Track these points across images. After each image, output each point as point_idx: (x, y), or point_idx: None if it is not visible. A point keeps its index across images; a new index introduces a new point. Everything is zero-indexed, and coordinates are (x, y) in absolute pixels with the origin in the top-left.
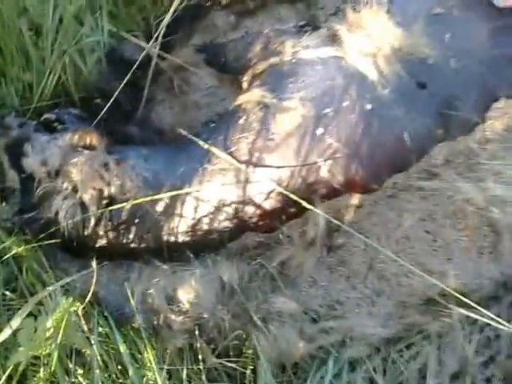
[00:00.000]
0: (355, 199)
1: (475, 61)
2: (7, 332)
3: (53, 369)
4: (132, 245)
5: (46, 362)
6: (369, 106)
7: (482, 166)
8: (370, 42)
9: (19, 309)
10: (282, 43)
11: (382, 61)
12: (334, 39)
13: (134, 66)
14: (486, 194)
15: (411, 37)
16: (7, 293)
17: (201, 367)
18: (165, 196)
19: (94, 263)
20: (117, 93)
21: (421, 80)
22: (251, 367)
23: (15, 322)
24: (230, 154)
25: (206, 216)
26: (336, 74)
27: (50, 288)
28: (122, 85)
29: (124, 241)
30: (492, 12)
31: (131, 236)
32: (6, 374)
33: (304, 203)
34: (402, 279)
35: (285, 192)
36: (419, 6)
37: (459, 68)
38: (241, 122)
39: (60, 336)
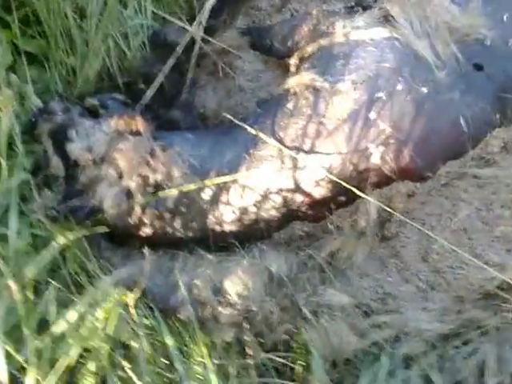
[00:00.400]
0: (408, 187)
1: None
2: (62, 325)
3: (103, 362)
4: (177, 233)
5: (94, 354)
6: (424, 90)
7: None
8: (424, 22)
9: (63, 299)
10: (332, 24)
11: (437, 42)
12: (386, 19)
13: (178, 50)
14: None
15: (468, 17)
16: (51, 281)
17: (249, 362)
18: (212, 183)
19: (145, 252)
20: (160, 77)
21: (478, 62)
22: (301, 363)
23: (70, 316)
24: (279, 139)
25: (252, 204)
26: (389, 55)
27: (108, 279)
28: (166, 69)
29: (169, 229)
30: None
31: (177, 224)
32: (61, 368)
33: (355, 191)
34: (459, 272)
35: (335, 179)
36: None
37: None
38: (289, 106)
39: (111, 328)
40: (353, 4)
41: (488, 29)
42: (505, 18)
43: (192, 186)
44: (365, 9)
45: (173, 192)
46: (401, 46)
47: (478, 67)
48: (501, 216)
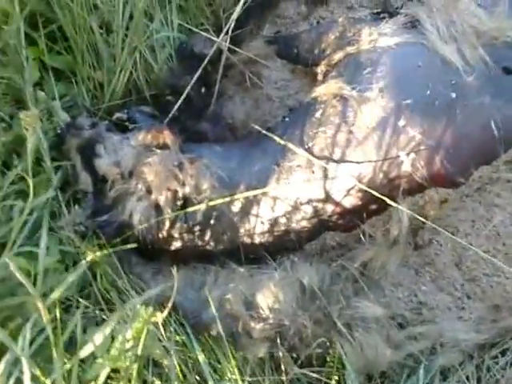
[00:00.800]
0: (440, 194)
1: None
2: (89, 347)
3: (133, 382)
4: (207, 247)
5: (124, 374)
6: (453, 95)
7: None
8: (451, 26)
9: (94, 317)
10: (358, 31)
11: (464, 46)
12: (413, 25)
13: (205, 61)
14: None
15: (495, 20)
16: (81, 300)
17: (283, 378)
18: (241, 196)
19: (175, 267)
20: (188, 89)
21: (507, 65)
22: (336, 377)
23: (98, 338)
24: (308, 149)
25: (283, 215)
26: (417, 61)
27: (137, 300)
28: (193, 80)
29: (199, 243)
30: None
31: (207, 238)
32: None
33: (386, 199)
34: (494, 279)
35: (366, 188)
36: None
37: None
38: (317, 115)
39: (140, 348)
40: (379, 10)
41: None
42: None
43: (221, 200)
44: (391, 15)
45: (202, 205)
46: (428, 52)
47: (507, 70)
48: None
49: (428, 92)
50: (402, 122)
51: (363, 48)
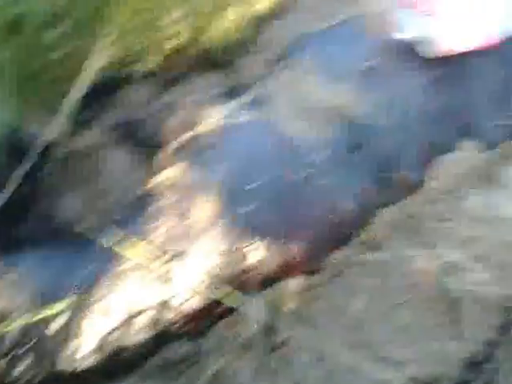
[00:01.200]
0: (296, 283)
1: (411, 116)
2: None
3: None
4: (26, 375)
5: None
6: (301, 175)
7: (429, 229)
8: (300, 103)
9: None
10: (206, 112)
11: (313, 123)
12: (261, 103)
13: (36, 152)
14: (437, 262)
15: (342, 95)
16: None
17: None
18: (65, 308)
19: None
20: (14, 184)
21: (355, 141)
22: None
23: None
24: (147, 244)
25: (115, 329)
26: (265, 140)
27: None
28: (21, 174)
29: (16, 370)
30: (424, 63)
31: (24, 363)
32: None
33: (235, 297)
34: (356, 373)
35: (212, 285)
36: (348, 61)
37: (395, 124)
38: (160, 204)
39: None
40: (228, 89)
41: (362, 106)
42: (378, 94)
43: (40, 315)
44: (240, 94)
45: (17, 324)
46: (276, 130)
47: (356, 146)
48: (396, 304)
49: (276, 173)
50: (249, 207)
51: (209, 129)
